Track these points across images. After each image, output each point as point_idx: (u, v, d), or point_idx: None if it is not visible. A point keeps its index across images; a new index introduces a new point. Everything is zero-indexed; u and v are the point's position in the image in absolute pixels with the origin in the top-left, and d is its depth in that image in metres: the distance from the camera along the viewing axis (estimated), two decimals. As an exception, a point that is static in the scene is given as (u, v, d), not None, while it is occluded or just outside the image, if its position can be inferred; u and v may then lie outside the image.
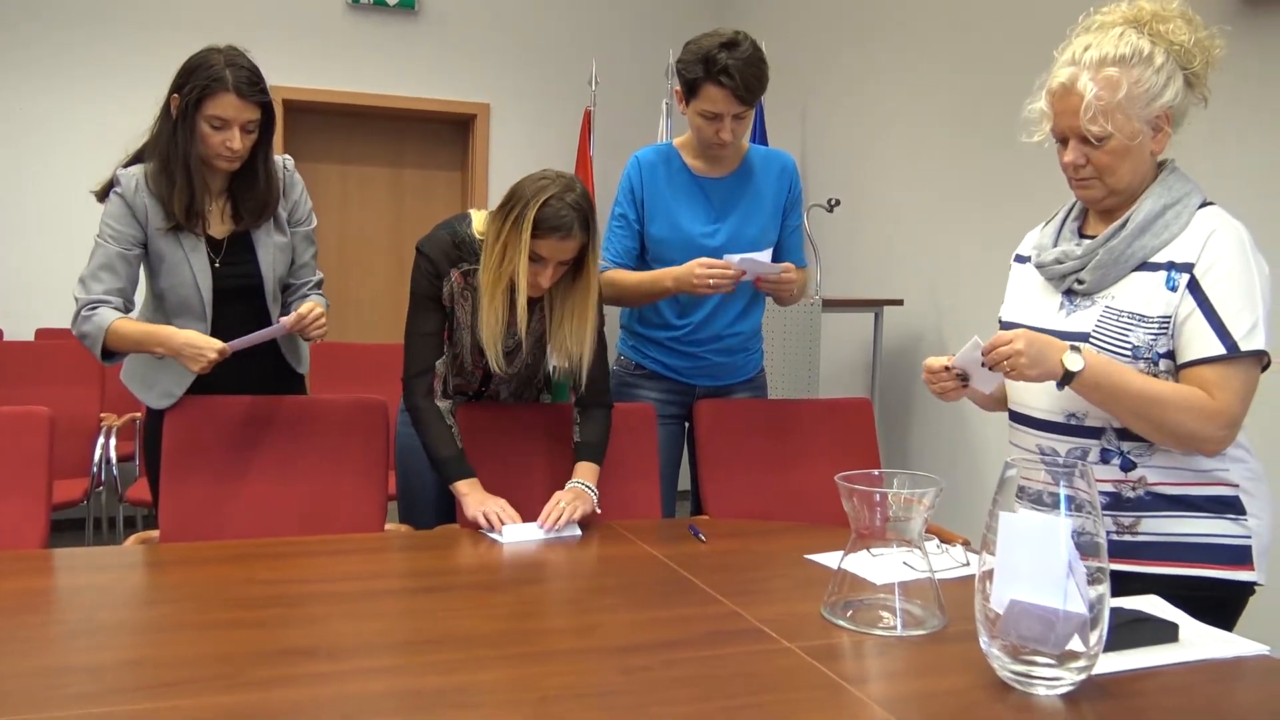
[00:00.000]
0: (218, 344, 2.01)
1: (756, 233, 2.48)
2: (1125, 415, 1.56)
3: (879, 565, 1.73)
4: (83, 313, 2.09)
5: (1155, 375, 1.56)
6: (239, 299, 2.23)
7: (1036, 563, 1.17)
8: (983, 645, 1.24)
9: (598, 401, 2.23)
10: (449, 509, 2.24)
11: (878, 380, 3.95)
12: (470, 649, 1.32)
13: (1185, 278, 1.54)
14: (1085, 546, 1.19)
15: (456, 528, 2.11)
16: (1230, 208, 1.60)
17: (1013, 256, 1.86)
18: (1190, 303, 1.53)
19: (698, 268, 2.24)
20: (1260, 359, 1.52)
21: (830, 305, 3.84)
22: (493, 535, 1.95)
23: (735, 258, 2.23)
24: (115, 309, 2.10)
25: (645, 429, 2.39)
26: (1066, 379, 1.52)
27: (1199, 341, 1.51)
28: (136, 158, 2.19)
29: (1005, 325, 1.76)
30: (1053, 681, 1.19)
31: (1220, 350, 1.50)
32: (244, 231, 2.22)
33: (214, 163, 2.13)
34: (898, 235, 4.10)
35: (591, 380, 2.16)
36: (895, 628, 1.43)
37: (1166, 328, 1.54)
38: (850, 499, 1.47)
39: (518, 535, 1.94)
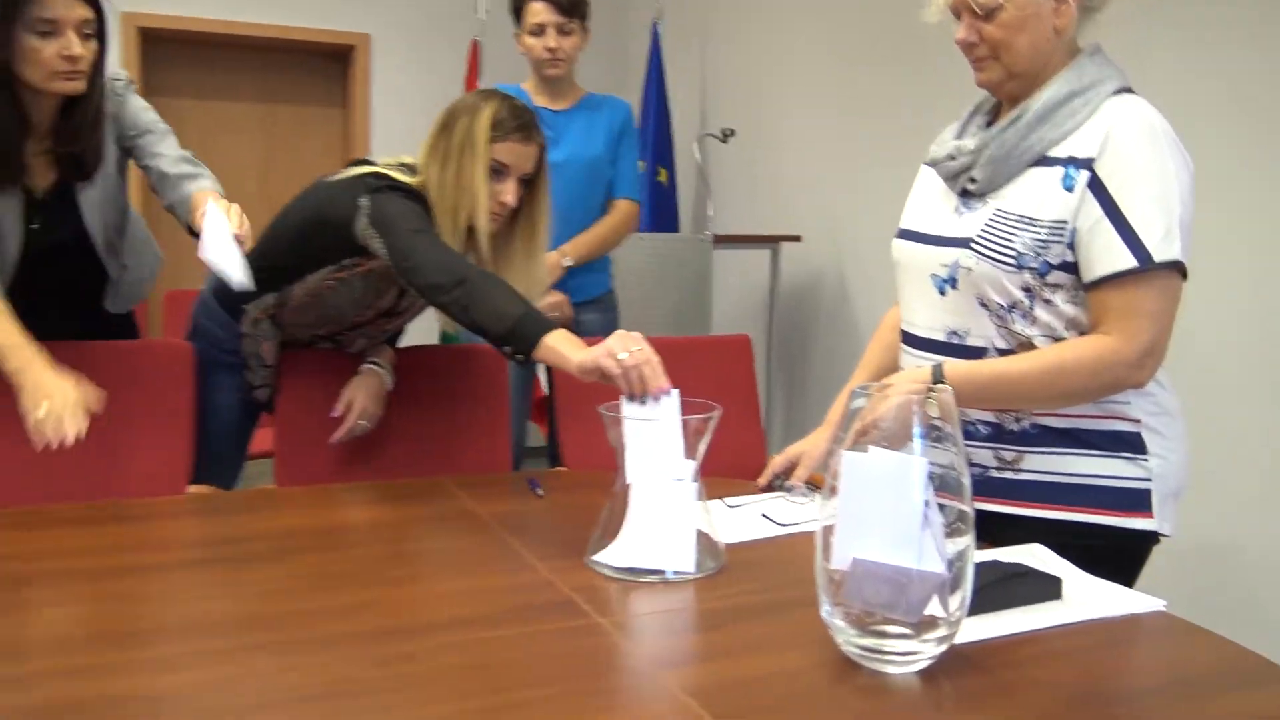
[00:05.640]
0: (79, 424, 1.55)
1: (593, 156, 2.63)
2: (1031, 403, 1.37)
3: (734, 519, 1.51)
4: None
5: (1040, 289, 1.34)
6: (61, 257, 1.87)
7: (886, 512, 0.95)
8: (824, 614, 1.01)
9: None
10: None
11: (775, 320, 3.74)
12: (196, 639, 1.06)
13: (1084, 175, 1.32)
14: (947, 483, 0.97)
15: (270, 489, 1.84)
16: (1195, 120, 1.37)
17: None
18: (1094, 209, 1.31)
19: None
20: (1178, 270, 1.30)
21: (723, 242, 3.60)
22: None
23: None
24: None
25: (494, 373, 2.13)
26: None
27: (1107, 254, 1.30)
28: None
29: (901, 234, 1.54)
30: (907, 657, 0.97)
31: (1131, 263, 1.28)
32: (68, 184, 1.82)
33: (51, 85, 1.68)
34: (796, 168, 3.87)
35: None
36: (666, 574, 1.25)
37: (1060, 233, 1.32)
38: (615, 429, 1.26)
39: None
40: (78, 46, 1.66)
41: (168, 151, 1.87)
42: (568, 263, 2.56)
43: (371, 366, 1.97)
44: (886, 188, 3.33)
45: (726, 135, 3.86)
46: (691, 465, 1.29)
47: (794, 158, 3.88)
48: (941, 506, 0.97)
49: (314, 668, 0.99)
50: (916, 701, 0.93)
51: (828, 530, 0.99)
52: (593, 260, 2.65)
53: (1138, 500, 1.34)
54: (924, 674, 0.97)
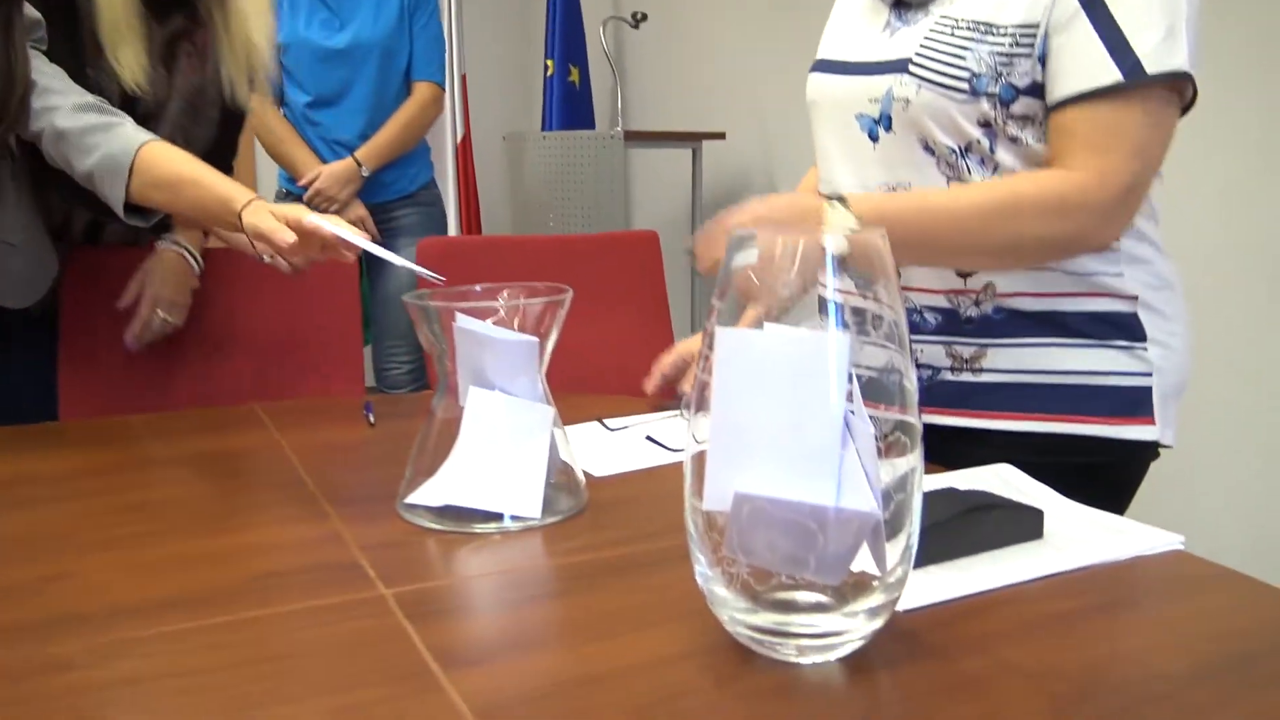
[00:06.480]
0: None
1: (383, 36, 2.41)
2: (963, 255, 1.03)
3: (613, 445, 1.17)
4: None
5: (1003, 123, 1.00)
6: None
7: (787, 420, 0.60)
8: (699, 578, 0.67)
9: None
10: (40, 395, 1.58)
11: (699, 226, 3.37)
12: None
13: None
14: (882, 390, 0.63)
15: (45, 425, 1.46)
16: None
17: None
18: (1070, 2, 0.96)
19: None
20: (1177, 89, 0.96)
21: (637, 139, 3.21)
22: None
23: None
24: None
25: (343, 278, 1.76)
26: None
27: (1081, 64, 0.95)
28: None
29: (817, 66, 1.18)
30: (825, 640, 0.64)
31: (1113, 76, 0.94)
32: None
33: None
34: (718, 58, 3.48)
35: None
36: (504, 521, 0.90)
37: (1029, 42, 0.98)
38: (427, 326, 0.91)
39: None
40: None
41: (60, 102, 1.28)
42: (365, 172, 2.35)
43: (168, 245, 1.57)
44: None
45: (638, 20, 3.45)
46: (536, 367, 0.94)
47: (715, 45, 3.49)
48: (873, 417, 0.63)
49: (-100, 691, 0.63)
50: (839, 708, 0.60)
51: (699, 456, 0.65)
52: (398, 156, 2.45)
53: (1136, 401, 1.02)
54: (850, 663, 0.64)
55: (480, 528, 0.90)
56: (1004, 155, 1.01)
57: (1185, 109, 0.99)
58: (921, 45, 1.02)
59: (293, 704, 0.59)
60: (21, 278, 1.48)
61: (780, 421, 0.60)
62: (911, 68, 1.02)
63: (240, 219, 1.15)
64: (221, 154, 1.55)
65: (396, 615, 0.72)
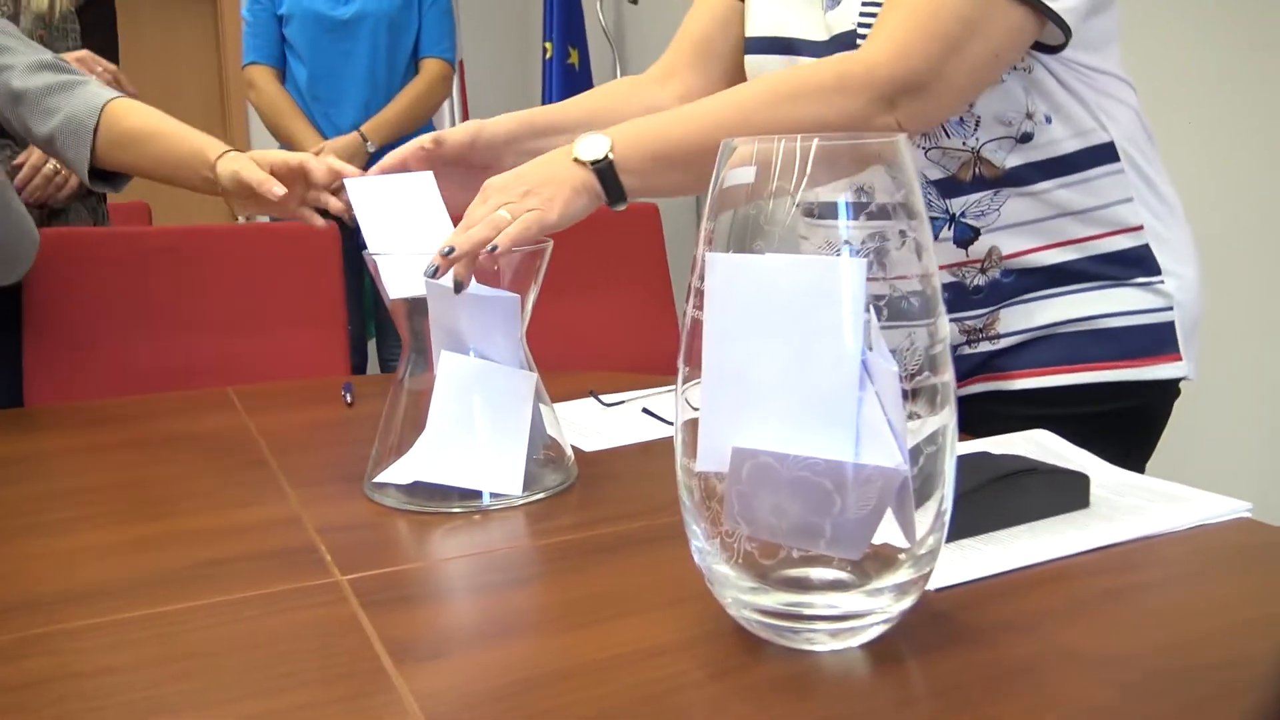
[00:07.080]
0: None
1: (391, 8, 2.33)
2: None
3: (607, 420, 1.08)
4: None
5: None
6: None
7: (793, 362, 0.51)
8: (695, 554, 0.57)
9: None
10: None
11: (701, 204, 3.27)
12: None
13: None
14: (926, 358, 0.53)
15: (19, 410, 1.38)
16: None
17: None
18: None
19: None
20: (1026, 9, 0.83)
21: (639, 118, 3.11)
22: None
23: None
24: None
25: (327, 255, 1.66)
26: (609, 184, 0.85)
27: None
28: None
29: (753, 45, 1.06)
30: (844, 623, 0.54)
31: None
32: None
33: None
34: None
35: None
36: (483, 499, 0.80)
37: None
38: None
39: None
40: None
41: (13, 61, 1.19)
42: (371, 148, 2.23)
43: None
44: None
45: (636, -3, 3.35)
46: (516, 327, 0.85)
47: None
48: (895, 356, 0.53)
49: None
50: (863, 702, 0.51)
51: (691, 423, 0.55)
52: (405, 134, 2.31)
53: (1161, 338, 0.93)
54: (875, 649, 0.55)
55: (455, 507, 0.80)
56: (981, 108, 0.90)
57: (1054, 49, 0.88)
58: (862, 13, 0.92)
59: (208, 709, 0.50)
60: (3, 251, 1.39)
61: (786, 362, 0.50)
62: (859, 41, 0.92)
63: (215, 170, 1.06)
64: None
65: (351, 604, 0.62)
